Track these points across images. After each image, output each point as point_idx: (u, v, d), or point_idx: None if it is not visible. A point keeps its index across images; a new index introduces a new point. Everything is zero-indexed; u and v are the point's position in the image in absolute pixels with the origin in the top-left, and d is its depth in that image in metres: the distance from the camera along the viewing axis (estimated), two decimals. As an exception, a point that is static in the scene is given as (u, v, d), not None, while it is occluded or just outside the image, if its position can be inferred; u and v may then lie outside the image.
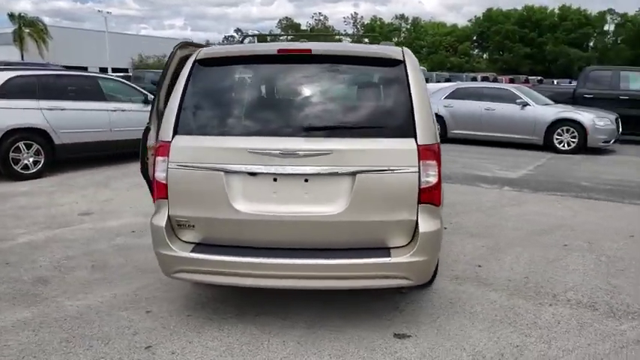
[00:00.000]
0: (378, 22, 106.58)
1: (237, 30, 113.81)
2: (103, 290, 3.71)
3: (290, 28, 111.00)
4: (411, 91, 2.93)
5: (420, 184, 2.85)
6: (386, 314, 3.34)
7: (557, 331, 3.16)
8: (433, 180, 2.88)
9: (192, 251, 2.96)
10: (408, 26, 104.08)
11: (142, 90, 9.54)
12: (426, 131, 2.89)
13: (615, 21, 67.05)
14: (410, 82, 2.95)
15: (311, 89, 3.07)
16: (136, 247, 4.61)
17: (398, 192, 2.86)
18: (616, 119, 10.98)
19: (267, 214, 2.89)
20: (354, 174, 2.82)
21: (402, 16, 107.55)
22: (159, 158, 3.02)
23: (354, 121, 2.94)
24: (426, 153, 2.86)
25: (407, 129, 2.89)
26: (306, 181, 2.87)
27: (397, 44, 3.35)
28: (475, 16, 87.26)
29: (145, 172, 3.57)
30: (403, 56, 3.03)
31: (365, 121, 2.96)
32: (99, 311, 3.39)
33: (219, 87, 3.18)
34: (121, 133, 8.47)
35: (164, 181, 2.99)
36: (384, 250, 2.93)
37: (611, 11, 67.06)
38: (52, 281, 3.87)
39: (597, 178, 8.09)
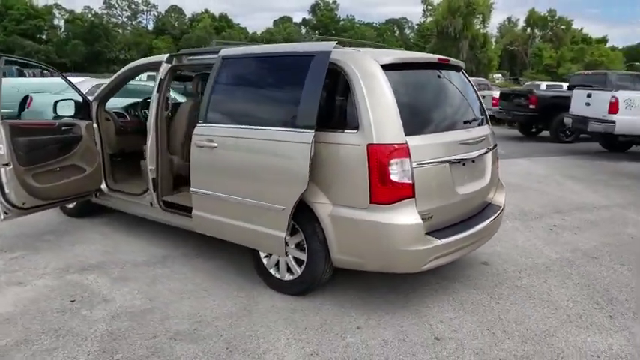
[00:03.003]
0: None
1: None
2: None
3: None
4: (475, 88, 4.19)
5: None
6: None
7: (582, 227, 5.28)
8: None
9: (441, 238, 3.22)
10: None
11: None
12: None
13: (64, 17, 68.38)
14: (471, 82, 4.19)
15: (456, 90, 3.79)
16: (140, 313, 3.38)
17: (496, 161, 4.14)
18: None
19: (468, 192, 3.56)
20: (490, 151, 3.91)
21: None
22: (395, 160, 3.05)
23: (476, 113, 3.94)
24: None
25: (484, 117, 4.17)
26: (473, 162, 3.69)
27: None
28: None
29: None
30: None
31: (478, 113, 3.99)
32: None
33: (408, 89, 3.36)
34: None
35: (409, 181, 3.09)
36: (494, 206, 4.10)
37: (58, 6, 67.32)
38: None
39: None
